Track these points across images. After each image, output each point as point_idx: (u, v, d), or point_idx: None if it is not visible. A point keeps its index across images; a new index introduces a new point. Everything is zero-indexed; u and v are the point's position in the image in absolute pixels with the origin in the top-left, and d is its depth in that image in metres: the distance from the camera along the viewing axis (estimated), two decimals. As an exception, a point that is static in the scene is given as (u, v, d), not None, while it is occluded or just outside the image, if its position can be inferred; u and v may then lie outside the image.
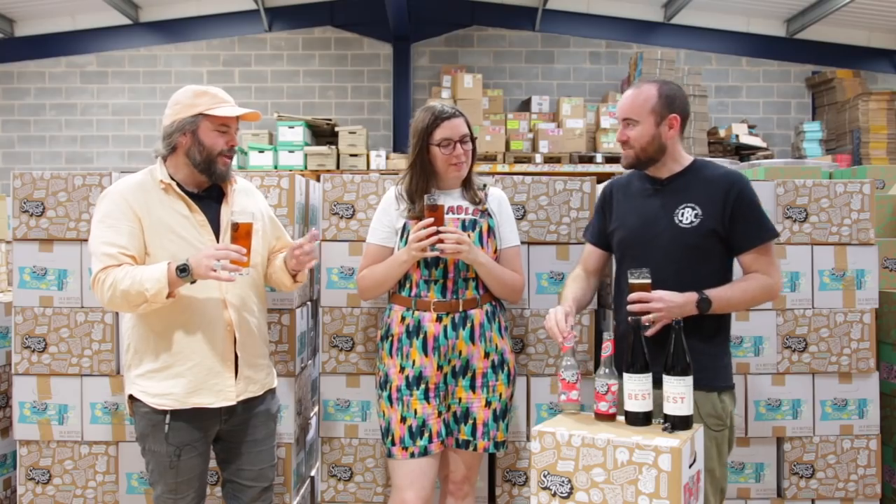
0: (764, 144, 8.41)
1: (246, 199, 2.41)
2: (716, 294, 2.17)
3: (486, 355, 2.45)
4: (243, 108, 2.34)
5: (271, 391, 2.46)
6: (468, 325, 2.44)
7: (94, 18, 9.10)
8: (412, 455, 2.40)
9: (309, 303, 3.11)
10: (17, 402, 2.82)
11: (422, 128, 2.46)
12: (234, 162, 8.53)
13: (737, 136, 8.26)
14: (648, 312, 2.10)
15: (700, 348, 2.16)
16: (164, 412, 2.24)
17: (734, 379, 2.34)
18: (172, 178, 2.28)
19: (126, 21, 9.04)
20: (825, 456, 2.90)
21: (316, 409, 3.27)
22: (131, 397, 2.31)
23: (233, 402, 2.29)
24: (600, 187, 3.13)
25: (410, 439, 2.41)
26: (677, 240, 2.23)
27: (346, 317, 2.84)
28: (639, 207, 2.33)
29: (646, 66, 8.26)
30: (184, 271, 2.09)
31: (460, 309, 2.43)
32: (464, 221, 2.46)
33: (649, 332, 2.10)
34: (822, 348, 2.90)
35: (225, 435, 2.36)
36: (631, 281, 2.16)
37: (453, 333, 2.42)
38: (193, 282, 2.14)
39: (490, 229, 2.49)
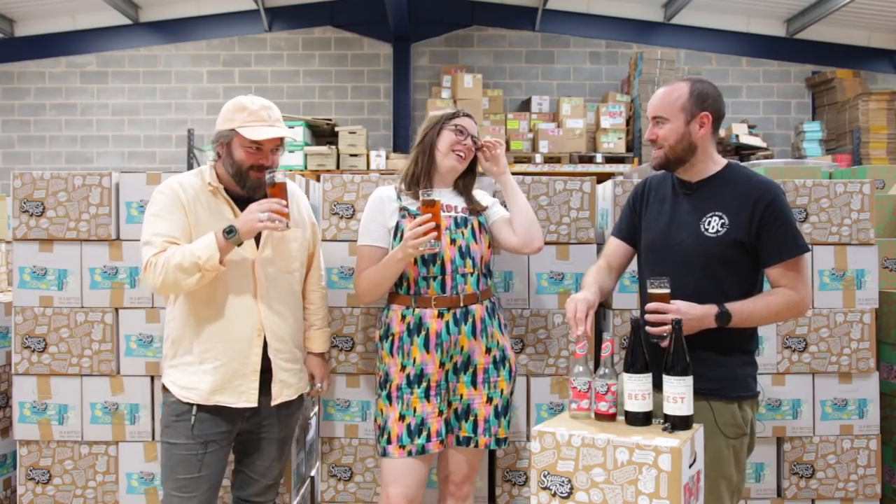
0: (764, 144, 8.41)
1: (290, 204, 2.42)
2: (737, 308, 2.09)
3: (488, 350, 2.46)
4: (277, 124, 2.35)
5: (301, 396, 2.53)
6: (469, 320, 2.44)
7: (94, 18, 9.11)
8: (409, 454, 2.40)
9: (309, 303, 3.11)
10: (17, 402, 2.82)
11: (442, 115, 2.53)
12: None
13: (737, 136, 8.25)
14: (665, 323, 2.03)
15: (718, 359, 2.13)
16: (190, 405, 2.32)
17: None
18: (220, 182, 2.37)
19: (126, 21, 9.05)
20: (825, 456, 2.90)
21: (316, 408, 3.27)
22: (163, 387, 2.40)
23: (254, 405, 2.35)
24: (605, 184, 3.11)
25: (408, 437, 2.40)
26: (701, 249, 2.15)
27: (346, 317, 2.84)
28: (667, 211, 2.27)
29: (646, 66, 8.26)
30: (230, 233, 2.20)
31: (461, 304, 2.43)
32: (455, 219, 2.48)
33: (664, 343, 2.04)
34: (822, 348, 2.89)
35: (244, 431, 2.42)
36: (650, 290, 2.10)
37: (455, 329, 2.42)
38: (240, 244, 2.24)
39: (481, 225, 2.52)
